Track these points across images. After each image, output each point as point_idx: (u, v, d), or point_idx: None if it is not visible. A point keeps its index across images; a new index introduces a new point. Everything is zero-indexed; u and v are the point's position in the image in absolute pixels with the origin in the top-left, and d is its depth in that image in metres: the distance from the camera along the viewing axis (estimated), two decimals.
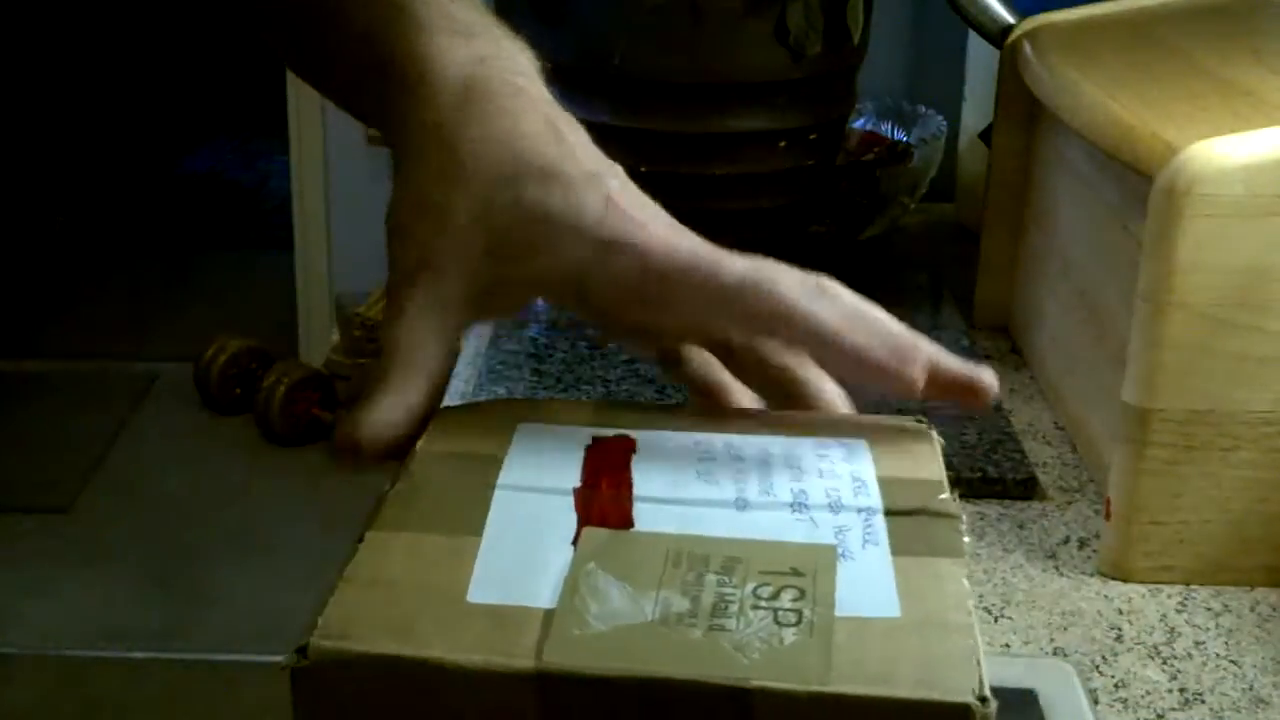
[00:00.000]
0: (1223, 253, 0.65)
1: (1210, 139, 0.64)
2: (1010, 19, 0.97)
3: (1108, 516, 0.70)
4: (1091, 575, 0.71)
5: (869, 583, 0.39)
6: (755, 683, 0.35)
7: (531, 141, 0.51)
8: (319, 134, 2.90)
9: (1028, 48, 0.90)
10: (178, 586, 2.39)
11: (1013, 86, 0.92)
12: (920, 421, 0.49)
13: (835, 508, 0.43)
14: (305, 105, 2.85)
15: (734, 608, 0.37)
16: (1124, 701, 0.62)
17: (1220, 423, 0.67)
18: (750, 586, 0.38)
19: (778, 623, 0.37)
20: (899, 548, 0.41)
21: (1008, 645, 0.65)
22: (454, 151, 0.50)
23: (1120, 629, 0.67)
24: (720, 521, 0.42)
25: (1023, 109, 0.92)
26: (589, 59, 0.92)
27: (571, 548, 0.40)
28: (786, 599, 0.38)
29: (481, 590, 0.38)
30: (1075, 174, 0.84)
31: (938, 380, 0.49)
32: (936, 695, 0.35)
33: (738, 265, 0.49)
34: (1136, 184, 0.69)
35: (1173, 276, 0.65)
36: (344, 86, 0.58)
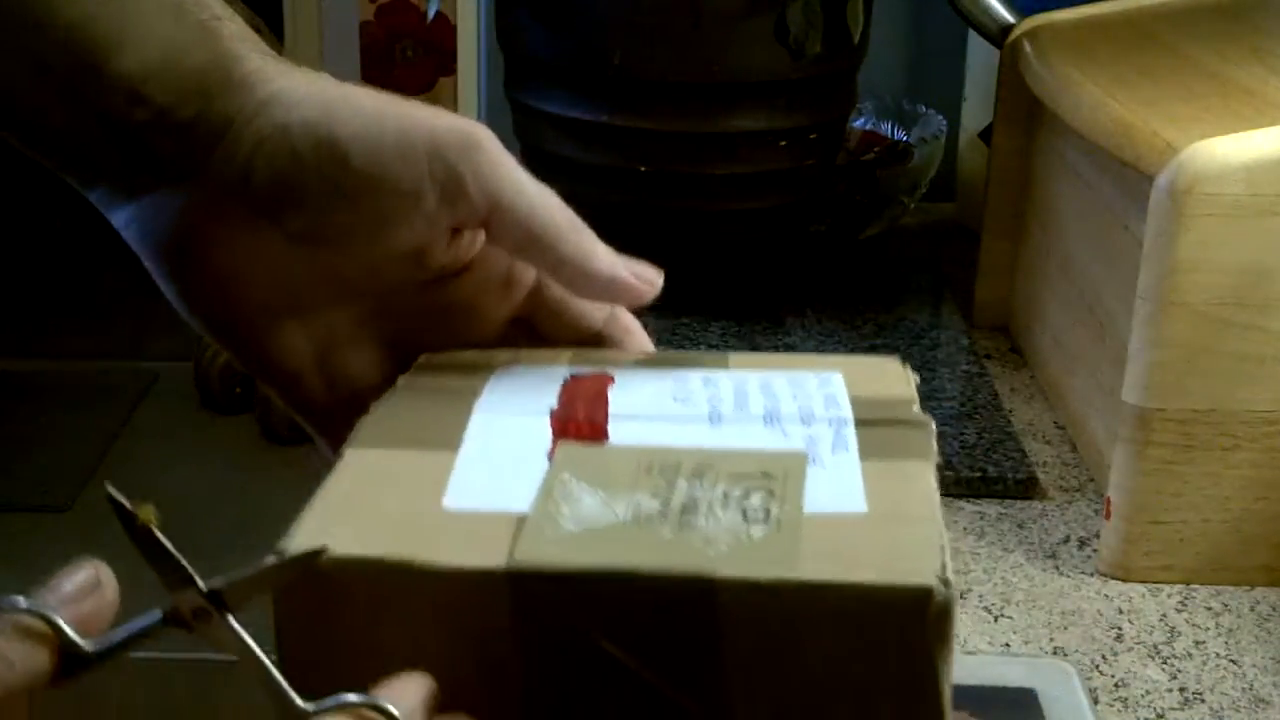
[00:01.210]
0: (1223, 252, 0.65)
1: (1211, 138, 0.64)
2: (1010, 18, 0.97)
3: (1108, 516, 0.70)
4: (1091, 575, 0.71)
5: (837, 484, 0.40)
6: (721, 573, 0.35)
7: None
8: None
9: (1028, 47, 0.90)
10: None
11: (1013, 86, 0.92)
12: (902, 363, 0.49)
13: (807, 420, 0.44)
14: None
15: (703, 508, 0.38)
16: (1124, 701, 0.62)
17: (1220, 422, 0.67)
18: (720, 489, 0.39)
19: (746, 520, 0.37)
20: (868, 453, 0.42)
21: (1008, 645, 0.65)
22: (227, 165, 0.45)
23: (1120, 628, 0.67)
24: (694, 435, 0.43)
25: (1023, 108, 0.92)
26: (589, 60, 0.92)
27: (547, 461, 0.41)
28: (756, 499, 0.38)
29: (457, 498, 0.39)
30: (1075, 173, 0.84)
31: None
32: (899, 579, 0.35)
33: (445, 121, 0.46)
34: (1137, 183, 0.69)
35: (1173, 276, 0.65)
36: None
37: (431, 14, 1.08)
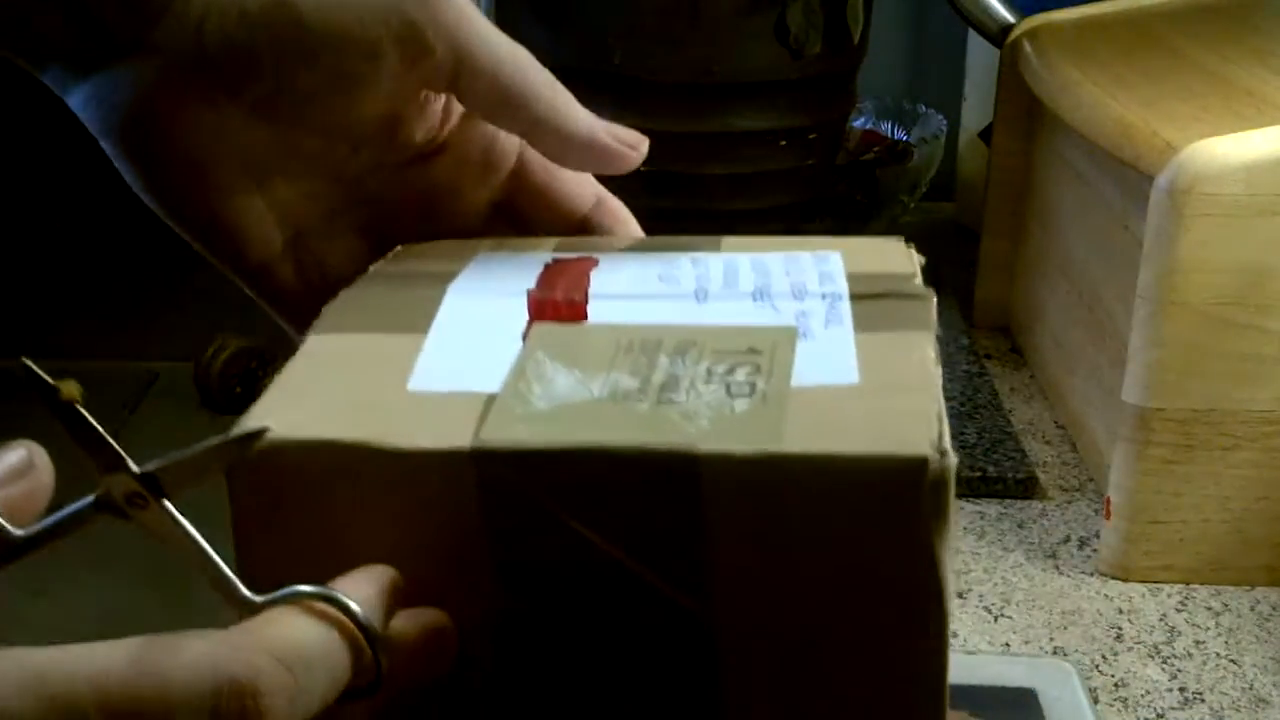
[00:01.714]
0: (1223, 252, 0.65)
1: (1211, 138, 0.64)
2: (1010, 18, 0.97)
3: (1108, 516, 0.70)
4: (1091, 574, 0.71)
5: (829, 356, 0.37)
6: (702, 447, 0.32)
7: None
8: None
9: (1028, 47, 0.90)
10: (178, 586, 2.39)
11: (1013, 86, 0.92)
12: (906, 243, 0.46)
13: (799, 295, 0.41)
14: None
15: (684, 384, 0.35)
16: (1124, 701, 0.62)
17: (1220, 422, 0.67)
18: (704, 365, 0.36)
19: (729, 394, 0.34)
20: (863, 326, 0.38)
21: (1008, 645, 0.65)
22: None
23: (1120, 628, 0.67)
24: (678, 312, 0.40)
25: (1023, 108, 0.92)
26: (589, 59, 0.92)
27: (522, 341, 0.38)
28: (741, 374, 0.35)
29: (423, 379, 0.36)
30: (1075, 173, 0.84)
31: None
32: (892, 449, 0.32)
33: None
34: (1137, 183, 0.69)
35: (1173, 276, 0.65)
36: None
37: None
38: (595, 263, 0.43)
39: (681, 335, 0.38)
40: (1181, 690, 0.62)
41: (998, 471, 0.78)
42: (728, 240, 0.46)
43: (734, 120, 0.93)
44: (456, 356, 0.37)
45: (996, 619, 0.67)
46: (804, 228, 1.03)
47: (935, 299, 0.40)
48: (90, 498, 0.34)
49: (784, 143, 0.95)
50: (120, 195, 0.48)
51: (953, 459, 0.32)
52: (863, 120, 1.14)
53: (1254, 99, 0.72)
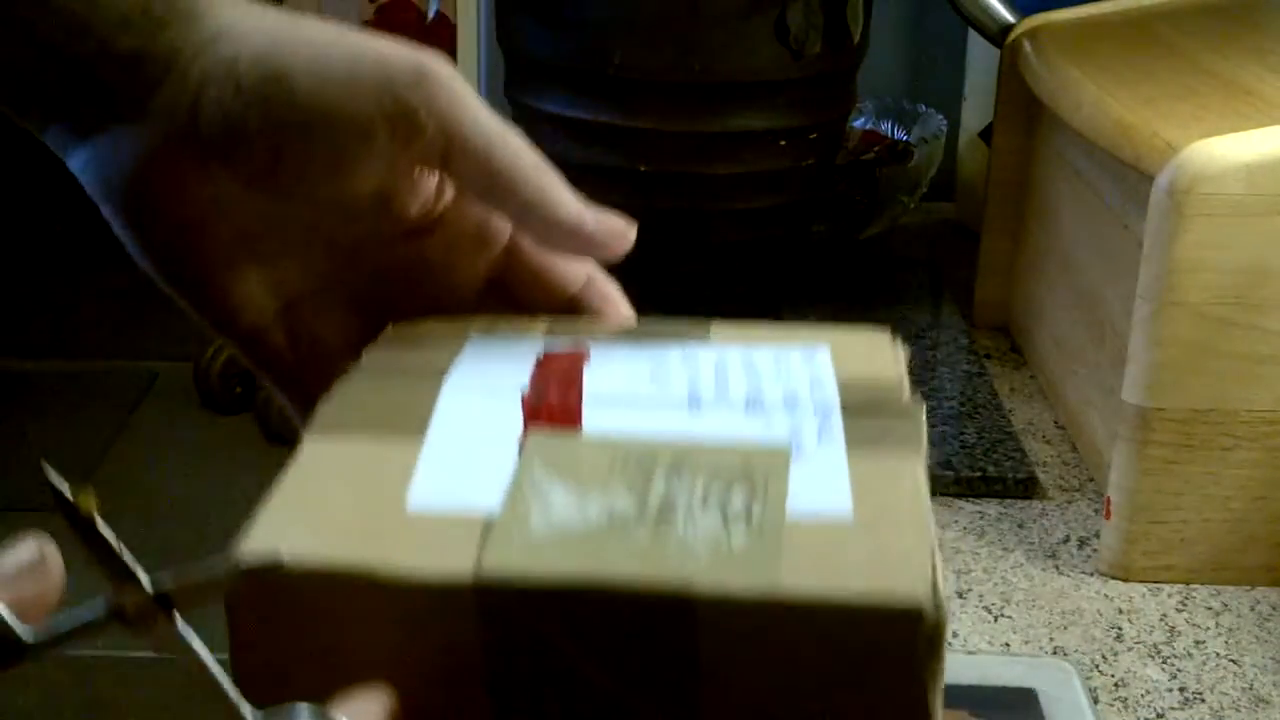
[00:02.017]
0: (1223, 252, 0.65)
1: (1211, 138, 0.64)
2: (1010, 18, 0.97)
3: (1108, 515, 0.70)
4: (1091, 574, 0.71)
5: (822, 481, 0.37)
6: (700, 585, 0.33)
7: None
8: None
9: (1028, 47, 0.90)
10: None
11: (1013, 85, 0.92)
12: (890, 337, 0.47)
13: (791, 406, 0.41)
14: None
15: (681, 509, 0.35)
16: (1124, 701, 0.62)
17: (1220, 422, 0.67)
18: (699, 488, 0.36)
19: (726, 522, 0.35)
20: (855, 445, 0.39)
21: (1008, 645, 0.65)
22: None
23: (1120, 628, 0.67)
24: (671, 421, 0.40)
25: (1023, 108, 0.92)
26: (589, 59, 0.92)
27: (518, 450, 0.38)
28: (736, 500, 0.36)
29: (422, 496, 0.36)
30: (1075, 173, 0.84)
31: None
32: (888, 595, 0.32)
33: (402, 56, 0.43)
34: (1137, 183, 0.69)
35: (1173, 276, 0.65)
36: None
37: (431, 14, 1.08)
38: (586, 357, 0.44)
39: (676, 451, 0.38)
40: (1181, 690, 0.62)
41: (998, 471, 0.78)
42: (715, 328, 0.47)
43: (734, 120, 0.93)
44: (453, 469, 0.38)
45: (996, 619, 0.67)
46: (804, 229, 1.03)
47: (924, 416, 0.41)
48: (102, 608, 0.33)
49: (784, 143, 0.95)
50: None
51: (947, 604, 0.33)
52: (863, 120, 1.14)
53: (1254, 98, 0.72)
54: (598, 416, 0.41)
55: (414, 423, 0.40)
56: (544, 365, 0.43)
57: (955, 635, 0.66)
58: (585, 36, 0.92)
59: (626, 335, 0.47)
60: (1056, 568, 0.71)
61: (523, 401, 0.41)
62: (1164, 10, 0.92)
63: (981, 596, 0.69)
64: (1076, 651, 0.65)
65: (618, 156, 0.94)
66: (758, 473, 0.37)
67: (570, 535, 0.35)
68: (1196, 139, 0.65)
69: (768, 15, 0.90)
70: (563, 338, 0.45)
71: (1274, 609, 0.68)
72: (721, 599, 0.33)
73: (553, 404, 0.41)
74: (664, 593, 0.33)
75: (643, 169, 0.93)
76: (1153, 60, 0.83)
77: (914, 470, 0.38)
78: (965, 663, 0.62)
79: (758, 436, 0.40)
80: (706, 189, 0.95)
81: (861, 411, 0.41)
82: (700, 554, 0.34)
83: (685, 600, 0.33)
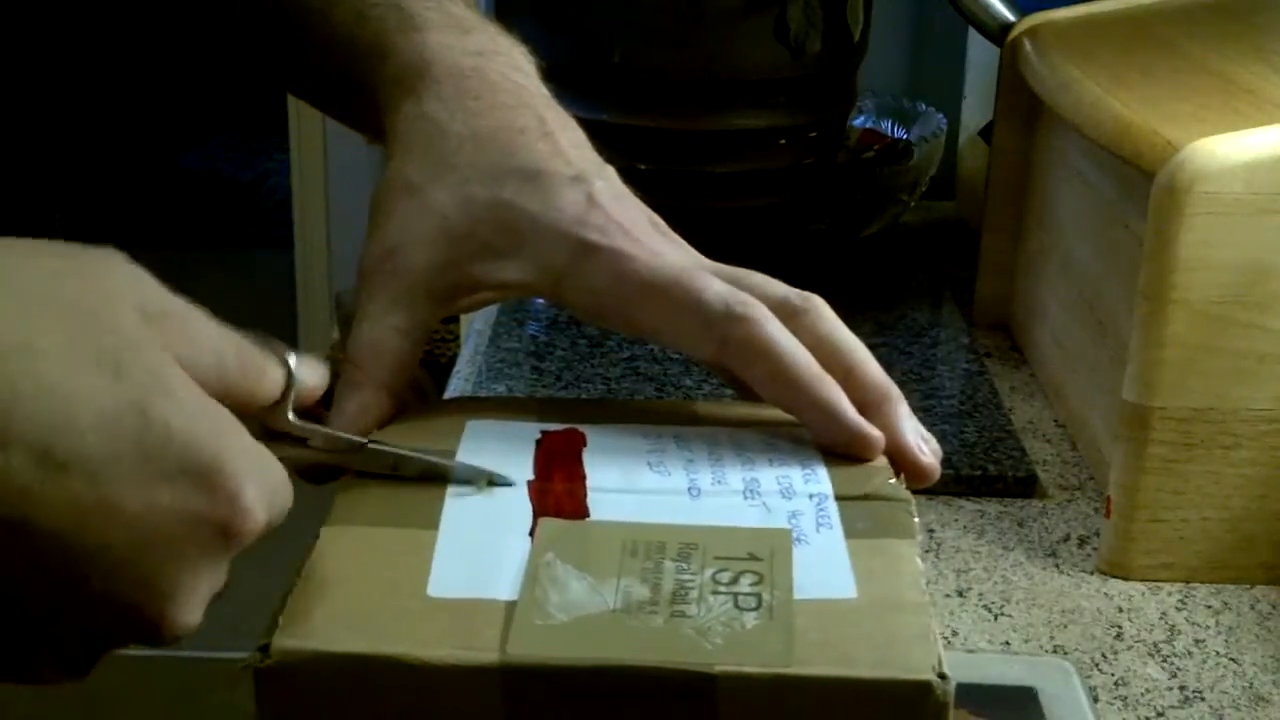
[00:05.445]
0: (1223, 250, 0.65)
1: (1211, 136, 0.64)
2: (1010, 16, 0.97)
3: (1108, 514, 0.70)
4: (1091, 573, 0.71)
5: (825, 565, 0.40)
6: (719, 668, 0.35)
7: (520, 138, 0.51)
8: (319, 132, 2.89)
9: (1028, 45, 0.90)
10: None
11: (1013, 84, 0.92)
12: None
13: (787, 494, 0.44)
14: (305, 104, 2.85)
15: (694, 594, 0.38)
16: (1124, 699, 0.62)
17: (1221, 420, 0.67)
18: (709, 572, 0.39)
19: (738, 607, 0.37)
20: (852, 530, 0.42)
21: (1008, 643, 0.65)
22: (443, 142, 0.50)
23: (1120, 627, 0.67)
24: (674, 509, 0.43)
25: (1023, 106, 0.92)
26: (589, 58, 0.92)
27: (529, 539, 0.41)
28: (745, 584, 0.38)
29: (442, 584, 0.38)
30: (1076, 172, 0.84)
31: (889, 450, 0.48)
32: (898, 674, 0.35)
33: (717, 289, 0.48)
34: (1137, 181, 0.69)
35: (1173, 274, 0.65)
36: (325, 84, 0.58)
37: None
38: (583, 439, 0.46)
39: (683, 538, 0.41)
40: (1181, 689, 0.62)
41: (998, 470, 0.78)
42: (702, 407, 0.50)
43: (734, 119, 0.93)
44: (469, 557, 0.40)
45: (996, 617, 0.67)
46: (804, 228, 1.03)
47: (914, 504, 0.44)
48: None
49: (784, 141, 0.95)
50: (119, 193, 0.49)
51: (952, 682, 0.35)
52: (863, 119, 1.14)
53: (1254, 97, 0.72)
54: (603, 503, 0.43)
55: (426, 513, 0.42)
56: (544, 447, 0.46)
57: (955, 633, 0.66)
58: (585, 36, 0.93)
59: (616, 417, 0.49)
60: (1057, 566, 0.71)
61: (529, 490, 0.43)
62: (1164, 9, 0.92)
63: (981, 595, 0.69)
64: (1076, 650, 0.65)
65: (618, 156, 0.93)
66: (763, 557, 0.40)
67: (589, 620, 0.37)
68: (1197, 138, 0.65)
69: (767, 14, 0.90)
70: (554, 422, 0.48)
71: (1274, 608, 0.68)
72: (740, 678, 0.35)
73: (559, 492, 0.43)
74: (687, 674, 0.35)
75: (642, 168, 0.93)
76: (1153, 59, 0.83)
77: (911, 553, 0.41)
78: (965, 661, 0.62)
79: (758, 522, 0.42)
80: (706, 187, 0.95)
81: (854, 499, 0.44)
82: (716, 637, 0.36)
83: (707, 680, 0.35)
